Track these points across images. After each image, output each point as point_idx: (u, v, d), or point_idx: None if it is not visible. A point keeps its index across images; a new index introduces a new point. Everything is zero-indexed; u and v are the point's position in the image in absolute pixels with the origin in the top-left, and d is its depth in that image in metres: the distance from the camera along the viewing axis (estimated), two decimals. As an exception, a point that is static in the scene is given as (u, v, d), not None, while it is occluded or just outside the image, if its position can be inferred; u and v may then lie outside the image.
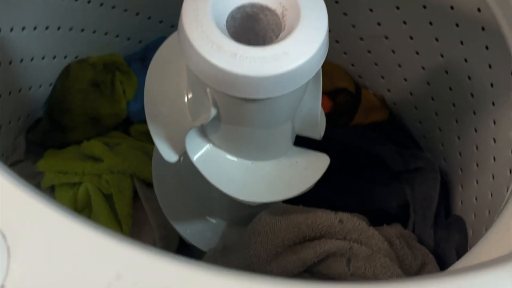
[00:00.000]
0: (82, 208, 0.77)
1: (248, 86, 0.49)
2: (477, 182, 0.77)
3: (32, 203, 0.33)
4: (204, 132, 0.59)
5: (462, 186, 0.80)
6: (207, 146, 0.59)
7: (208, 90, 0.52)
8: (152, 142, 0.65)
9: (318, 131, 0.61)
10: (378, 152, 0.83)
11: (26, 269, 0.32)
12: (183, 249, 0.77)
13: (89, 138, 0.82)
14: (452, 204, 0.83)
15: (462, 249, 0.75)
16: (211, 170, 0.59)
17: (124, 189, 0.77)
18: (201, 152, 0.59)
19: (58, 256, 0.32)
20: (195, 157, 0.58)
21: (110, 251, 0.32)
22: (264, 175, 0.62)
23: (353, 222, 0.68)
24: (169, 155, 0.59)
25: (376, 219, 0.73)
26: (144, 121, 0.83)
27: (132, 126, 0.87)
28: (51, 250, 0.32)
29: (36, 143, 0.82)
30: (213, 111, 0.53)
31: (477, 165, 0.76)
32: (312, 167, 0.64)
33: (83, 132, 0.83)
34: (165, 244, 0.75)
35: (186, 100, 0.61)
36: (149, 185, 0.79)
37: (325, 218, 0.68)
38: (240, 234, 0.70)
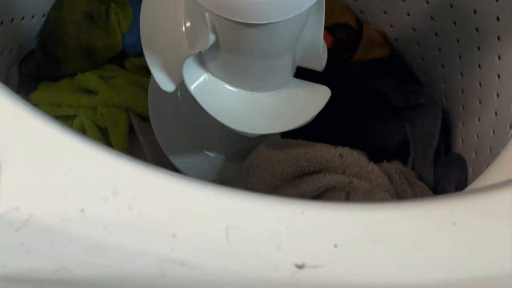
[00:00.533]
0: (77, 142, 0.75)
1: (249, 9, 0.47)
2: (479, 119, 0.75)
3: (25, 116, 0.31)
4: (202, 61, 0.57)
5: (463, 124, 0.79)
6: (205, 75, 0.57)
7: (206, 15, 0.50)
8: (147, 76, 0.63)
9: (319, 61, 0.59)
10: (379, 88, 0.81)
11: (18, 185, 0.30)
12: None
13: (84, 71, 0.80)
14: (453, 142, 0.82)
15: (462, 187, 0.75)
16: (209, 100, 0.58)
17: (119, 123, 0.75)
18: (199, 81, 0.57)
19: (52, 171, 0.30)
20: (192, 86, 0.56)
21: (106, 166, 0.30)
22: (263, 106, 0.60)
23: (353, 157, 0.67)
24: (166, 84, 0.57)
25: (376, 156, 0.72)
26: (139, 55, 0.82)
27: (127, 59, 0.85)
28: (45, 165, 0.31)
29: (30, 75, 0.80)
30: (211, 38, 0.51)
31: (480, 102, 0.75)
32: (312, 99, 0.62)
33: (77, 65, 0.81)
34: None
35: (183, 29, 0.58)
36: (144, 119, 0.78)
37: (324, 152, 0.66)
38: (238, 168, 0.69)
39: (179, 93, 0.68)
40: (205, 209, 0.31)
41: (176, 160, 0.69)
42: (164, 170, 0.31)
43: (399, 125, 0.81)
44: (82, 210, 0.30)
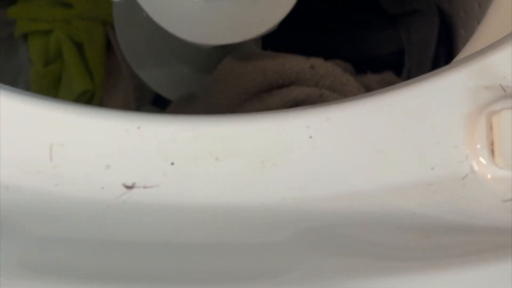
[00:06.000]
0: (55, 58, 0.73)
1: None
2: (478, 23, 0.68)
3: None
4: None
5: (464, 29, 0.72)
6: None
7: None
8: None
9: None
10: (369, -8, 0.75)
11: None
12: (160, 100, 0.73)
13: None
14: (455, 50, 0.76)
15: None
16: (158, 8, 0.54)
17: (95, 37, 0.73)
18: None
19: None
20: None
21: None
22: (218, 13, 0.56)
23: (326, 68, 0.63)
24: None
25: (369, 67, 0.67)
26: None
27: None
28: None
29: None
30: None
31: (479, 5, 0.68)
32: (275, 4, 0.57)
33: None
34: (139, 95, 0.72)
35: None
36: (123, 32, 0.75)
37: (294, 63, 0.62)
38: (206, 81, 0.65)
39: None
40: (28, 125, 0.28)
41: (144, 74, 0.66)
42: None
43: (394, 33, 0.75)
44: None
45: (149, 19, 0.62)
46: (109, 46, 0.75)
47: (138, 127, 0.28)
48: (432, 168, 0.28)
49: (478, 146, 0.28)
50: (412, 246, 0.26)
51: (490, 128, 0.28)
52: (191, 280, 0.24)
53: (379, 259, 0.25)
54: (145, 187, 0.27)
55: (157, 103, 0.74)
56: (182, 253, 0.25)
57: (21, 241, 0.25)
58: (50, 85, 0.71)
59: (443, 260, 0.24)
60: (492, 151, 0.28)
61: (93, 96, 0.72)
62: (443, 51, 0.76)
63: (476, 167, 0.28)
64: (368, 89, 0.64)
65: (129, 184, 0.27)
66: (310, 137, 0.28)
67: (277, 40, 0.69)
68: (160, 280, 0.24)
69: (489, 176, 0.28)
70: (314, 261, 0.25)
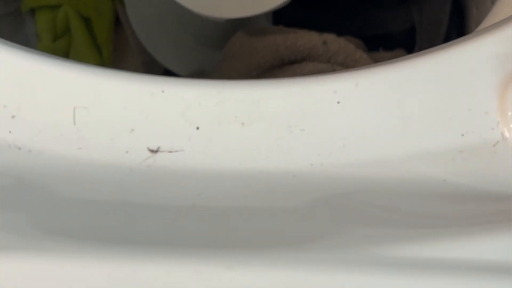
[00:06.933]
0: (62, 33, 0.72)
1: None
2: (491, 3, 0.68)
3: None
4: None
5: (477, 8, 0.71)
6: None
7: None
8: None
9: None
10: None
11: None
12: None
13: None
14: (467, 30, 0.75)
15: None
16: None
17: (103, 12, 0.72)
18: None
19: None
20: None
21: None
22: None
23: (339, 44, 0.62)
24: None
25: (380, 45, 0.66)
26: None
27: None
28: None
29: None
30: None
31: (493, -18, 0.67)
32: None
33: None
34: (148, 71, 0.71)
35: None
36: (131, 8, 0.74)
37: (306, 39, 0.61)
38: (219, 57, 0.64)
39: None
40: (51, 88, 0.27)
41: (154, 49, 0.66)
42: (9, 44, 0.28)
43: (405, 12, 0.74)
44: None
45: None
46: (117, 22, 0.74)
47: (163, 91, 0.27)
48: (462, 135, 0.28)
49: (510, 113, 0.28)
50: (442, 213, 0.25)
51: (522, 94, 0.27)
52: (218, 244, 0.23)
53: (410, 227, 0.24)
54: (170, 152, 0.26)
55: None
56: (208, 217, 0.25)
57: (44, 204, 0.25)
58: (58, 60, 0.70)
59: (474, 227, 0.23)
60: (524, 118, 0.27)
61: (102, 71, 0.71)
62: (454, 31, 0.75)
63: (507, 134, 0.27)
64: (381, 66, 0.63)
65: (154, 148, 0.26)
66: (338, 102, 0.27)
67: (289, 17, 0.69)
68: (186, 244, 0.23)
69: (520, 143, 0.28)
70: (345, 228, 0.24)
